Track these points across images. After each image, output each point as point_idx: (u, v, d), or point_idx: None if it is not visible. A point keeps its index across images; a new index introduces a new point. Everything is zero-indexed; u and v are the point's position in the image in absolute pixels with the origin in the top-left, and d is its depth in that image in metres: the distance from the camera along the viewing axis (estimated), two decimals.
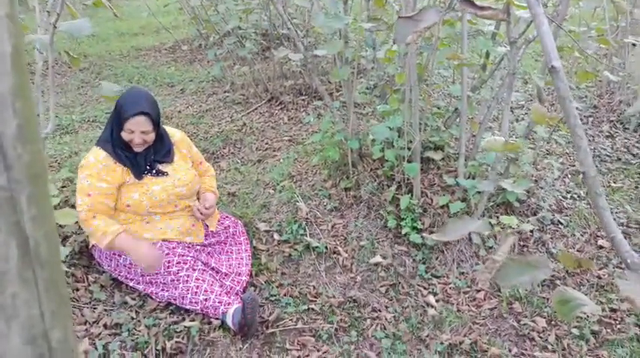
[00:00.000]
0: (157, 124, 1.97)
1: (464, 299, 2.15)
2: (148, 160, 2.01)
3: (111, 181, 1.92)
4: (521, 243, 2.45)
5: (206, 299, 1.89)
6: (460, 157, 2.47)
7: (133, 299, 2.02)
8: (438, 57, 2.56)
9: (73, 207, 2.19)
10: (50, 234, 0.37)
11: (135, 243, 1.89)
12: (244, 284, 2.12)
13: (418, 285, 2.22)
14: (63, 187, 2.43)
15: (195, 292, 1.91)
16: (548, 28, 0.64)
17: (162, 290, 1.95)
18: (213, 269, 2.08)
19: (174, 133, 2.17)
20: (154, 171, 2.02)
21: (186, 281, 1.92)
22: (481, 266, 2.30)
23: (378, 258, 2.30)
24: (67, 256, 2.03)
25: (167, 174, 2.03)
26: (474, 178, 2.49)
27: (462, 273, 2.29)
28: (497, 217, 2.44)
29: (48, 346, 0.37)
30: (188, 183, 2.07)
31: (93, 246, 2.05)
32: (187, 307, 1.92)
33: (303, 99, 3.83)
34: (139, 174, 1.97)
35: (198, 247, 2.12)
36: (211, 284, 1.94)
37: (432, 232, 2.37)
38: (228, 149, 3.30)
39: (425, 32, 0.68)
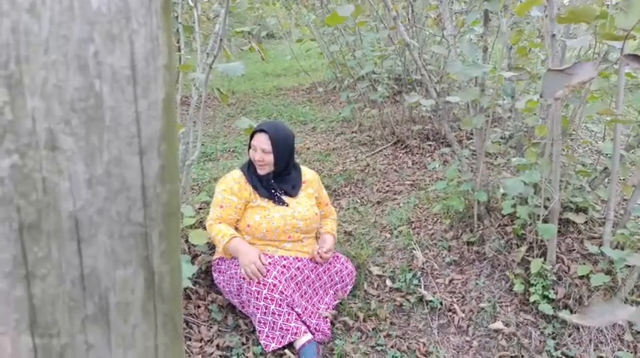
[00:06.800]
0: (278, 149, 2.09)
1: None
2: (268, 184, 2.14)
3: (240, 197, 2.09)
4: None
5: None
6: (607, 223, 2.18)
7: (246, 324, 2.09)
8: (587, 110, 2.33)
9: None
10: (174, 270, 0.38)
11: (246, 248, 2.00)
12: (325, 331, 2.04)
13: None
14: (200, 209, 2.67)
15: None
16: None
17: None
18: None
19: (307, 173, 2.28)
20: (275, 198, 2.12)
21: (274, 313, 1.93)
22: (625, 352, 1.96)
23: (499, 324, 2.09)
24: (193, 274, 2.18)
25: (287, 205, 2.12)
26: (622, 249, 2.16)
27: None
28: None
29: None
30: (307, 219, 2.12)
31: (215, 261, 2.19)
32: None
33: (429, 145, 3.75)
34: (263, 193, 2.12)
35: (308, 266, 2.12)
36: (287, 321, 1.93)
37: (566, 305, 2.10)
38: (349, 188, 3.34)
39: (578, 88, 0.61)
